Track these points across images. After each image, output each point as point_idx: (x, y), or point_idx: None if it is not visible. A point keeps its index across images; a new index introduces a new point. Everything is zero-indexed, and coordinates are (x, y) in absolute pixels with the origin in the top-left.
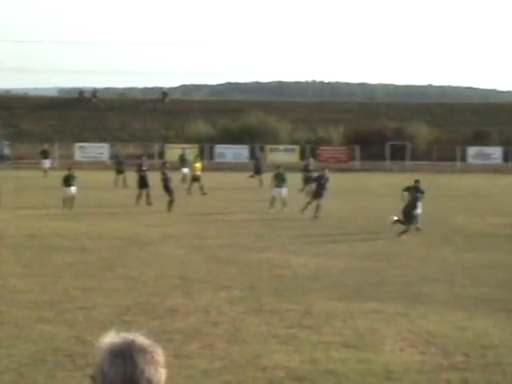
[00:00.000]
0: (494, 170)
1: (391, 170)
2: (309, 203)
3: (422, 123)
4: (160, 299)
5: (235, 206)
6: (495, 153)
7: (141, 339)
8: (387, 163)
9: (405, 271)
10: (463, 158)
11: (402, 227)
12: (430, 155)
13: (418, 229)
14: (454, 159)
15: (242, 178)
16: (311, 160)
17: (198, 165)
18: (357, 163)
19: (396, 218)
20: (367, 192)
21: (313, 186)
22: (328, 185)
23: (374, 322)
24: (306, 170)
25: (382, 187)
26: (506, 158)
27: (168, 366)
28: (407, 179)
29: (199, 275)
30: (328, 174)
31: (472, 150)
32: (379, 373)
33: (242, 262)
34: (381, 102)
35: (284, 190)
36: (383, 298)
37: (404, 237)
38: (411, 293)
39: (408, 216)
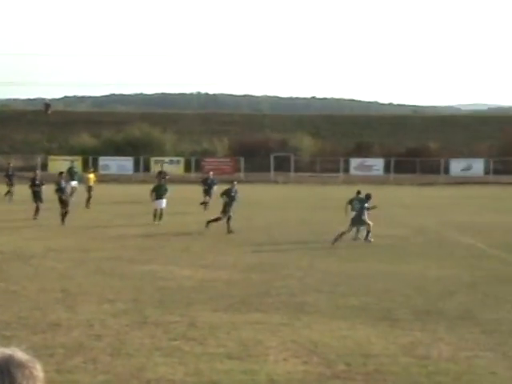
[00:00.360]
0: (376, 181)
1: (275, 182)
2: (219, 218)
3: (306, 135)
4: (42, 313)
5: (119, 218)
6: (377, 164)
7: (19, 354)
8: (272, 174)
9: (289, 282)
10: (346, 170)
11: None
12: (313, 167)
13: (357, 239)
14: (337, 170)
15: (127, 189)
16: (211, 173)
17: (92, 176)
18: (241, 174)
19: (342, 230)
20: (252, 204)
21: (225, 198)
22: (238, 197)
23: (259, 332)
24: (205, 182)
25: (267, 198)
26: (387, 170)
27: (50, 381)
28: (291, 190)
29: (82, 288)
30: (237, 186)
31: (354, 162)
32: (263, 383)
33: (125, 275)
34: (265, 113)
35: (164, 202)
36: (267, 308)
37: (372, 239)
38: (295, 303)
39: (361, 221)
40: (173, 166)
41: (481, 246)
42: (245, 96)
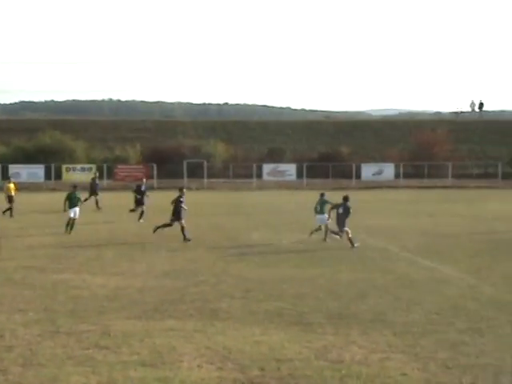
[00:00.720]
0: (289, 186)
1: (189, 188)
2: (168, 225)
3: (219, 141)
4: None
5: (30, 227)
6: (290, 169)
7: None
8: (185, 181)
9: (202, 288)
10: (259, 175)
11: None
12: (226, 173)
13: (330, 239)
14: (250, 176)
15: (38, 198)
16: (144, 181)
17: (12, 185)
18: (154, 181)
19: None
20: (165, 210)
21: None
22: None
23: (172, 339)
24: (137, 191)
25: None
26: (299, 175)
27: None
28: (204, 197)
29: None
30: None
31: (267, 167)
32: None
33: (37, 284)
34: (178, 120)
35: (77, 211)
36: (181, 315)
37: (357, 244)
38: (209, 309)
39: (342, 225)
40: (85, 174)
41: (392, 249)
42: (157, 102)
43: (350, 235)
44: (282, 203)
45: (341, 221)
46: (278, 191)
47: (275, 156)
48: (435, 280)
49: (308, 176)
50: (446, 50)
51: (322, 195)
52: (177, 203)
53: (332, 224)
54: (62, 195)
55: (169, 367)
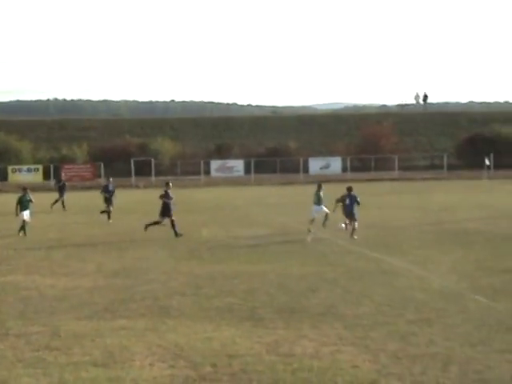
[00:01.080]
0: (237, 182)
1: (137, 186)
2: (157, 222)
3: (166, 138)
4: None
5: None
6: (237, 165)
7: None
8: (133, 179)
9: (153, 286)
10: (207, 172)
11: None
12: (174, 170)
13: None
14: (198, 173)
15: None
16: (111, 180)
17: None
18: (101, 180)
19: (344, 225)
20: (114, 209)
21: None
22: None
23: (124, 338)
24: (105, 190)
25: (129, 203)
26: (247, 171)
27: None
28: (152, 195)
29: None
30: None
31: (215, 164)
32: None
33: None
34: (124, 118)
35: (29, 213)
36: (132, 314)
37: (355, 237)
38: (160, 307)
39: (351, 215)
40: (31, 175)
41: (341, 242)
42: (103, 101)
43: (356, 227)
44: (230, 199)
45: (349, 211)
46: (226, 187)
47: (223, 152)
48: (384, 272)
49: (256, 171)
50: (390, 42)
51: (320, 187)
52: (164, 199)
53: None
54: (8, 197)
55: (120, 367)
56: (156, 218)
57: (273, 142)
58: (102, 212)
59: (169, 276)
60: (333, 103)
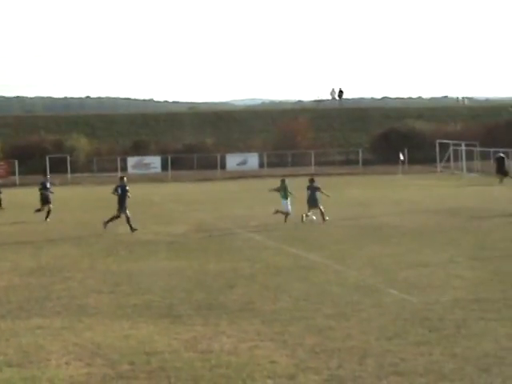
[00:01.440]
0: (154, 178)
1: (53, 184)
2: (116, 217)
3: (82, 135)
4: None
5: None
6: (154, 162)
7: None
8: (48, 177)
9: (70, 284)
10: (124, 169)
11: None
12: (90, 167)
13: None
14: (114, 170)
15: None
16: (48, 177)
17: None
18: (16, 178)
19: (309, 214)
20: (27, 207)
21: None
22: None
23: (39, 338)
24: (43, 187)
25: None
26: (164, 167)
27: None
28: (68, 192)
29: None
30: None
31: (132, 161)
32: None
33: None
34: (39, 115)
35: None
36: (48, 313)
37: (327, 218)
38: (76, 306)
39: (315, 203)
40: None
41: (258, 238)
42: (17, 97)
43: (323, 210)
44: (147, 196)
45: (312, 200)
46: (143, 184)
47: (140, 149)
48: (301, 267)
49: (173, 168)
50: (306, 38)
51: (283, 181)
52: (119, 193)
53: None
54: None
55: (36, 366)
56: (114, 213)
57: (190, 139)
58: (37, 210)
59: (85, 274)
60: (250, 99)
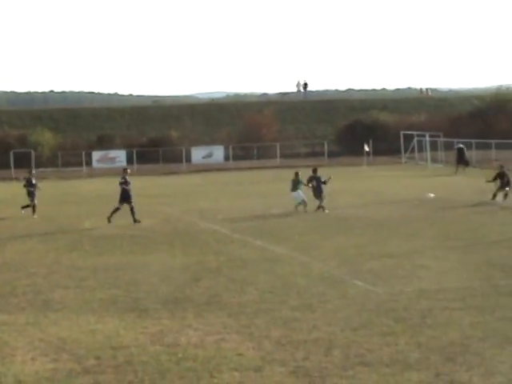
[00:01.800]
0: (119, 172)
1: (16, 179)
2: (117, 209)
3: (46, 130)
4: None
5: None
6: (120, 156)
7: None
8: (12, 171)
9: (34, 280)
10: (89, 163)
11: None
12: (55, 161)
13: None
14: (79, 164)
15: None
16: (33, 172)
17: None
18: None
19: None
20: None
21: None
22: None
23: (4, 334)
24: (29, 184)
25: (8, 196)
26: (129, 161)
27: None
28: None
29: None
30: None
31: (96, 155)
32: None
33: None
34: (2, 109)
35: None
36: (13, 309)
37: (327, 211)
38: (41, 301)
39: (320, 196)
40: None
41: (224, 231)
42: None
43: (324, 202)
44: (112, 190)
45: (319, 191)
46: (108, 178)
47: (105, 143)
48: (267, 259)
49: (138, 162)
50: (269, 30)
51: (297, 175)
52: (123, 186)
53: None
54: None
55: (1, 362)
56: (116, 204)
57: (155, 132)
58: (24, 207)
59: (50, 269)
60: (214, 92)
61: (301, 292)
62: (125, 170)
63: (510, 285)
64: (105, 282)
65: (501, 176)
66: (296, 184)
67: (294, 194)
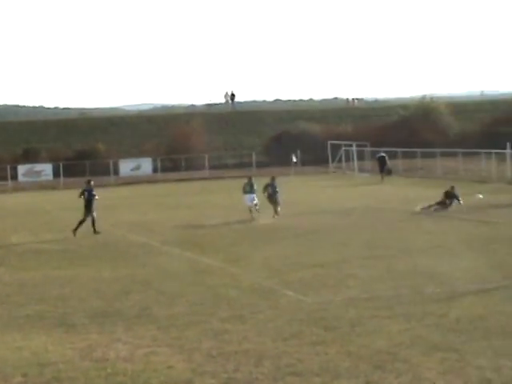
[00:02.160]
0: (46, 186)
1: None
2: (82, 221)
3: None
4: None
5: None
6: (46, 169)
7: None
8: None
9: None
10: (14, 177)
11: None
12: None
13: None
14: (4, 179)
15: None
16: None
17: None
18: None
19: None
20: None
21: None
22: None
23: None
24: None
25: None
26: (56, 174)
27: None
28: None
29: None
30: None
31: (22, 169)
32: None
33: None
34: None
35: None
36: None
37: (276, 216)
38: None
39: (275, 202)
40: None
41: (153, 243)
42: None
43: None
44: (39, 204)
45: (274, 198)
46: (34, 192)
47: (30, 156)
48: (197, 271)
49: (65, 175)
50: (196, 42)
51: (250, 179)
52: (86, 196)
53: None
54: None
55: None
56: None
57: (81, 145)
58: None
59: None
60: (141, 104)
61: (231, 303)
62: (88, 181)
63: (437, 292)
64: (32, 297)
65: (448, 196)
66: (248, 187)
67: (246, 196)
